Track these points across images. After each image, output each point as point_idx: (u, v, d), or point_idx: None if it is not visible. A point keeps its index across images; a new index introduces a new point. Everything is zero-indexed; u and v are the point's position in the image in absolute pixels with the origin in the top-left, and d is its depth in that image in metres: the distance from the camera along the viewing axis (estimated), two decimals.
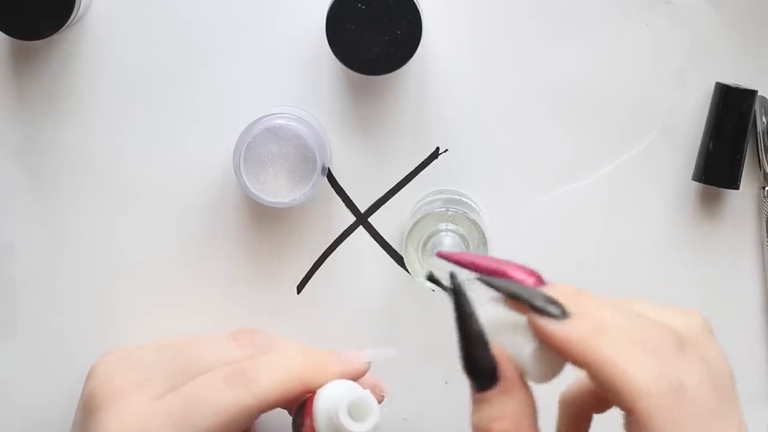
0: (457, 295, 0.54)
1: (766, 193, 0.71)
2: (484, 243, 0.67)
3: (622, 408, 0.51)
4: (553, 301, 0.53)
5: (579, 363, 0.52)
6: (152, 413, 0.63)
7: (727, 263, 0.73)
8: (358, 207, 0.72)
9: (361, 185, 0.72)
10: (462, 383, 0.73)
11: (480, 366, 0.54)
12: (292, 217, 0.72)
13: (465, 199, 0.70)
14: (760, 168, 0.72)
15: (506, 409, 0.54)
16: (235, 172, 0.68)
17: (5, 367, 0.73)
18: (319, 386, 0.64)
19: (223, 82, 0.71)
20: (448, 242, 0.66)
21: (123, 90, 0.72)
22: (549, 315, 0.53)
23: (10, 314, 0.73)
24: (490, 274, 0.55)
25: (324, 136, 0.70)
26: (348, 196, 0.72)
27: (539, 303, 0.53)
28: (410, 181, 0.72)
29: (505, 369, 0.54)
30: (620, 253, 0.73)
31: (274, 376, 0.64)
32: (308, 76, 0.71)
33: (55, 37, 0.69)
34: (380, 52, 0.67)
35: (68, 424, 0.72)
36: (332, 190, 0.72)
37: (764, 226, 0.72)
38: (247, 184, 0.68)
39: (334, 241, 0.72)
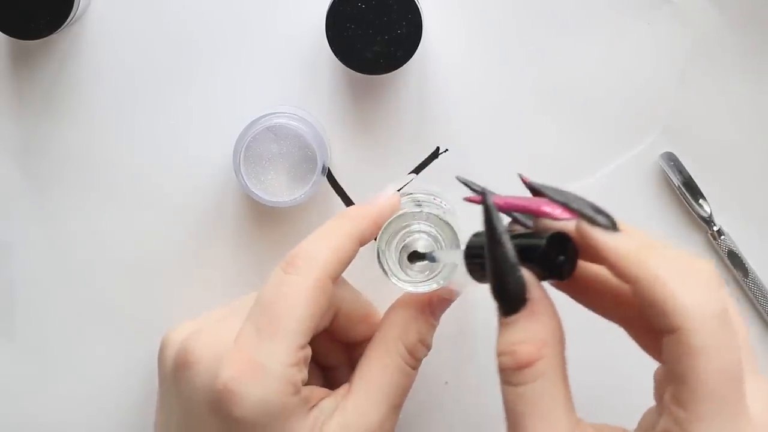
0: (489, 214, 0.53)
1: (711, 236, 0.72)
2: (457, 245, 0.63)
3: (664, 326, 0.50)
4: (601, 212, 0.53)
5: (626, 277, 0.51)
6: (242, 332, 0.60)
7: (729, 262, 0.73)
8: None
9: (361, 185, 0.72)
10: (462, 384, 0.74)
11: (509, 289, 0.52)
12: (292, 217, 0.72)
13: (438, 199, 0.69)
14: (698, 216, 0.72)
15: (531, 333, 0.52)
16: (235, 172, 0.68)
17: (5, 367, 0.73)
18: (364, 234, 0.62)
19: (223, 82, 0.71)
20: (422, 244, 0.64)
21: (122, 90, 0.72)
22: (599, 224, 0.52)
23: (9, 314, 0.73)
24: (526, 212, 0.55)
25: (324, 135, 0.70)
26: (348, 196, 0.72)
27: (589, 212, 0.53)
28: (410, 181, 0.72)
29: (534, 291, 0.53)
30: None
31: (323, 243, 0.62)
32: (308, 76, 0.71)
33: (54, 36, 0.69)
34: (380, 52, 0.67)
35: (67, 425, 0.72)
36: (332, 190, 0.72)
37: (728, 262, 0.72)
38: (247, 183, 0.68)
39: None
